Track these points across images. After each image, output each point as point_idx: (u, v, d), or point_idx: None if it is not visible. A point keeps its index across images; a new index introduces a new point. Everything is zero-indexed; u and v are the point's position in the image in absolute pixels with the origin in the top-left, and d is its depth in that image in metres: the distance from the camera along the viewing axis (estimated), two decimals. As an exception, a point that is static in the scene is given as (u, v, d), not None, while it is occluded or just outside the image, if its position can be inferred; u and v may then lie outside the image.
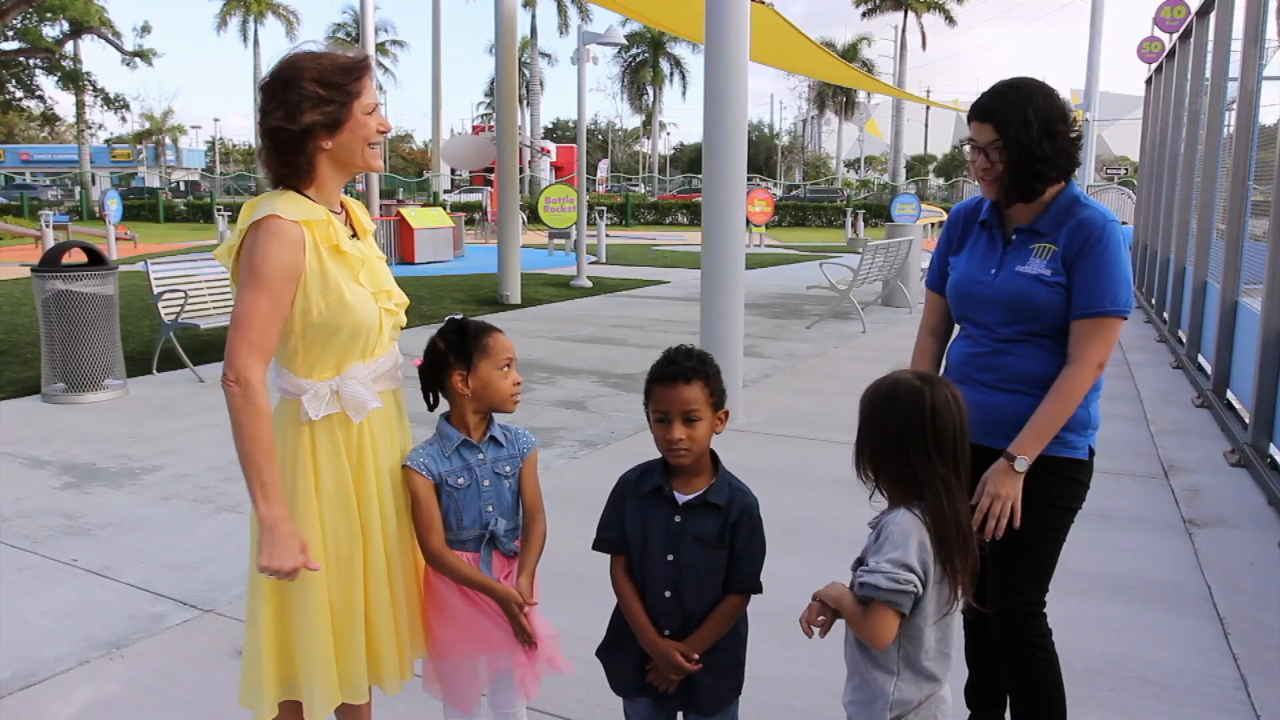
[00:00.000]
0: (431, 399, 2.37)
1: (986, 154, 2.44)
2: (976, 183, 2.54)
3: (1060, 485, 2.45)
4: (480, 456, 2.32)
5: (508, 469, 2.36)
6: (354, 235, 2.30)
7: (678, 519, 2.16)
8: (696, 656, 2.15)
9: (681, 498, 2.17)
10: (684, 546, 2.16)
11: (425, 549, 2.32)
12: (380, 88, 60.07)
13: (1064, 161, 2.42)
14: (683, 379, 2.12)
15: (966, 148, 2.55)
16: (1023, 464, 2.37)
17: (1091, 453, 2.52)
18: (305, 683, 2.22)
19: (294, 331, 2.17)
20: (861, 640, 1.98)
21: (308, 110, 2.13)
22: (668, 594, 2.17)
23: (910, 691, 1.98)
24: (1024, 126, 2.37)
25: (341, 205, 2.33)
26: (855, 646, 2.03)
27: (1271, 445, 5.73)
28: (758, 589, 2.19)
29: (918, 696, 1.98)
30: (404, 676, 2.35)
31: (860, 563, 2.00)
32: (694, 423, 2.11)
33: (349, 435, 2.23)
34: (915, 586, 1.88)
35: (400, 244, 19.93)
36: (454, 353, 2.29)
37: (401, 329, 2.41)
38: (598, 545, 2.27)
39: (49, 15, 35.32)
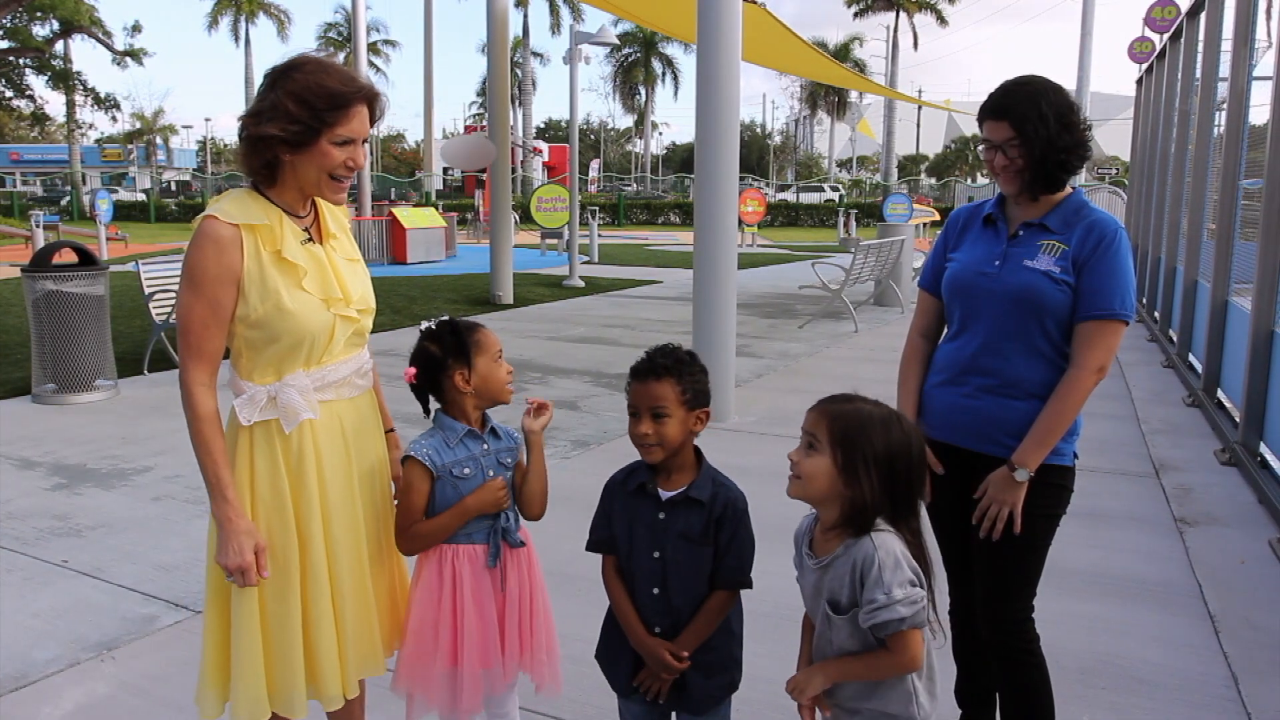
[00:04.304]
0: (428, 405, 2.37)
1: (1004, 151, 2.44)
2: (993, 179, 2.54)
3: (1048, 493, 2.46)
4: (484, 447, 2.34)
5: (509, 460, 2.38)
6: (310, 239, 2.24)
7: (662, 516, 2.17)
8: (686, 654, 2.15)
9: (665, 494, 2.18)
10: (669, 543, 2.16)
11: (400, 531, 2.31)
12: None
13: (1082, 151, 2.44)
14: (653, 376, 2.14)
15: (980, 147, 2.56)
16: (1023, 475, 2.39)
17: (1075, 458, 2.53)
18: (232, 689, 2.20)
19: (236, 334, 2.17)
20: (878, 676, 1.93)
21: (272, 121, 2.09)
22: (655, 591, 2.18)
23: (928, 701, 1.97)
24: (1040, 121, 2.38)
25: (313, 204, 2.30)
26: (857, 686, 1.97)
27: (1262, 444, 5.76)
28: (746, 584, 2.19)
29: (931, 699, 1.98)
30: (347, 693, 2.28)
31: (837, 607, 1.93)
32: (662, 419, 2.12)
33: (287, 443, 2.19)
34: (924, 597, 1.88)
35: (392, 244, 19.93)
36: (452, 354, 2.29)
37: (366, 336, 2.36)
38: (589, 546, 2.29)
39: (39, 14, 35.20)
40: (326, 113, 2.11)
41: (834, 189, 53.77)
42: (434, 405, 2.38)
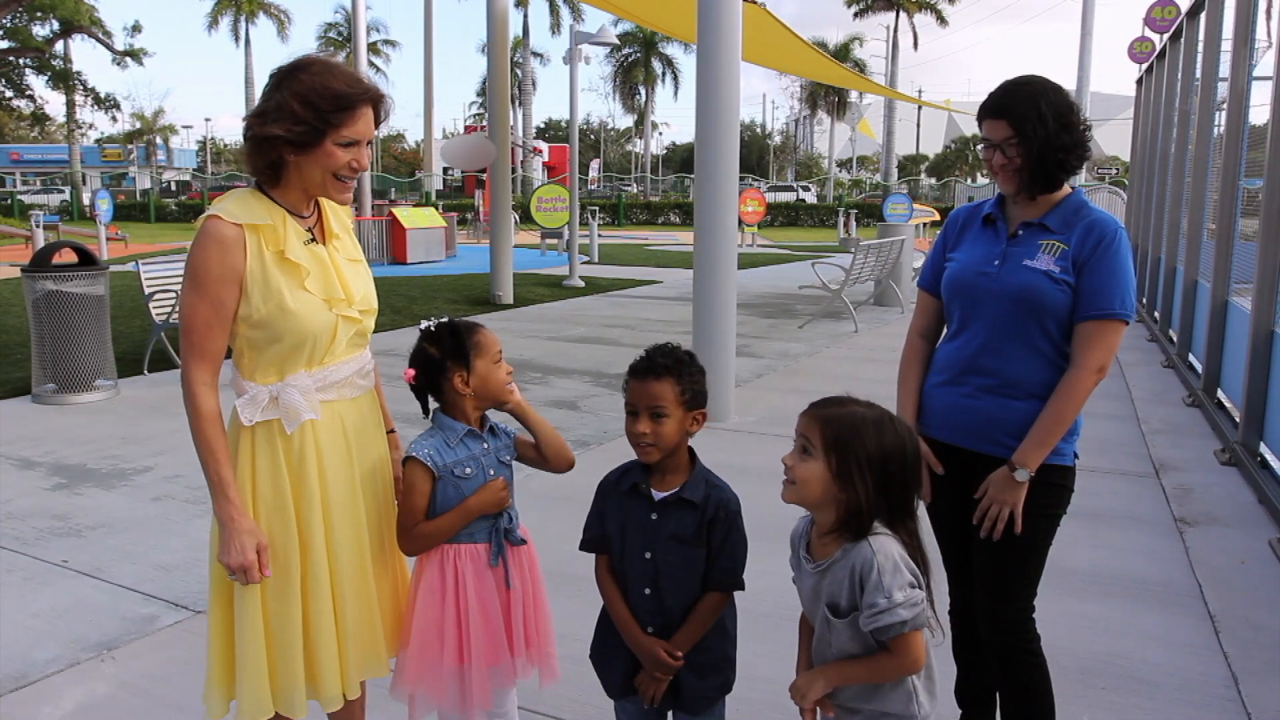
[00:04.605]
0: (427, 406, 2.37)
1: (1002, 150, 2.44)
2: (992, 179, 2.54)
3: (1049, 493, 2.46)
4: (484, 446, 2.34)
5: (508, 458, 2.39)
6: (313, 239, 2.24)
7: (654, 517, 2.17)
8: (680, 654, 2.15)
9: (657, 495, 2.18)
10: (660, 544, 2.16)
11: (402, 531, 2.32)
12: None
13: (1081, 151, 2.44)
14: (653, 375, 2.13)
15: (979, 146, 2.56)
16: (1023, 475, 2.39)
17: (1075, 457, 2.53)
18: (238, 688, 2.21)
19: (239, 334, 2.17)
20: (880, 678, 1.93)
21: (277, 122, 2.09)
22: (647, 591, 2.18)
23: (928, 701, 1.97)
24: (1039, 120, 2.38)
25: (316, 205, 2.30)
26: (857, 687, 1.96)
27: (1261, 444, 5.76)
28: (739, 586, 2.19)
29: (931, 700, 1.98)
30: (349, 694, 2.28)
31: (836, 610, 1.92)
32: (661, 419, 2.12)
33: (289, 443, 2.19)
34: (924, 598, 1.87)
35: (392, 244, 19.93)
36: (451, 355, 2.29)
37: (369, 335, 2.36)
38: (583, 545, 2.29)
39: (39, 14, 35.23)
40: (331, 114, 2.11)
41: (804, 189, 53.80)
42: (433, 405, 2.38)
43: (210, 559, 2.24)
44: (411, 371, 2.32)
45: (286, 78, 2.12)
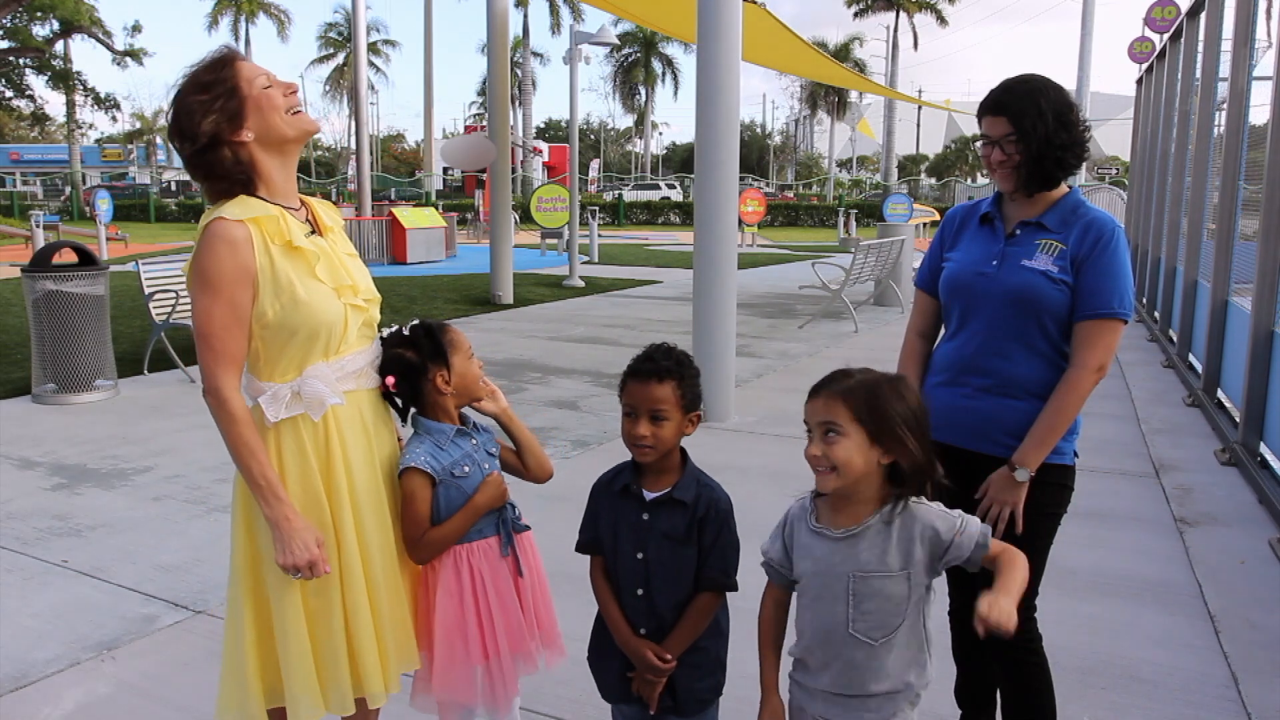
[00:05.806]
0: (407, 412, 2.38)
1: (1001, 147, 2.44)
2: (990, 176, 2.53)
3: (1050, 492, 2.46)
4: (474, 442, 2.36)
5: (495, 450, 2.42)
6: (314, 232, 2.26)
7: (645, 516, 2.16)
8: (669, 656, 2.14)
9: (649, 495, 2.17)
10: (652, 544, 2.16)
11: (411, 542, 2.31)
12: (372, 87, 59.97)
13: (1079, 150, 2.45)
14: (655, 377, 2.12)
15: (979, 144, 2.56)
16: (1023, 475, 2.39)
17: (1075, 456, 2.53)
18: (288, 690, 2.19)
19: (253, 335, 2.16)
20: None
21: (201, 119, 2.10)
22: (640, 592, 2.17)
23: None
24: (1038, 117, 2.39)
25: (303, 203, 2.30)
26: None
27: (1261, 444, 5.76)
28: (731, 587, 2.17)
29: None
30: (390, 689, 2.27)
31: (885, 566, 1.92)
32: (661, 421, 2.11)
33: (315, 437, 2.19)
34: None
35: (392, 244, 19.94)
36: (430, 357, 2.30)
37: (376, 326, 2.36)
38: (578, 547, 2.29)
39: (39, 14, 35.20)
40: (223, 73, 2.14)
41: (670, 186, 52.99)
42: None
43: (241, 568, 2.21)
44: (391, 379, 2.32)
45: (175, 106, 2.16)
